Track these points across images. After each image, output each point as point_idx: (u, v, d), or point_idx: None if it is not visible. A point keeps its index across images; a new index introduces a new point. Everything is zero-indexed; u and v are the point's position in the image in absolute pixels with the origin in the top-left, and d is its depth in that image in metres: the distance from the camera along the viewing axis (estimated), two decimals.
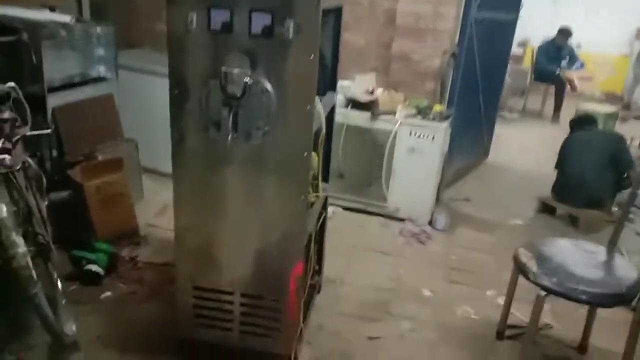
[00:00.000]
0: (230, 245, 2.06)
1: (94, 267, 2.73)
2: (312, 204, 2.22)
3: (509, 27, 4.88)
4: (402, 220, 3.73)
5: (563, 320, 2.75)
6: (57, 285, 2.31)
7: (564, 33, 7.29)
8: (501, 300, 2.94)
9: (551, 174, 5.14)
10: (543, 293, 2.10)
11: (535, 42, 7.89)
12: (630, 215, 3.88)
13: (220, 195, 2.00)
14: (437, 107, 3.60)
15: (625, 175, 3.99)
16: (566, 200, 4.07)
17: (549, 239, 2.49)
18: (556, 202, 4.18)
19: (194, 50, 1.84)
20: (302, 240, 2.03)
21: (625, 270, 2.23)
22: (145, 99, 3.84)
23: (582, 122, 4.32)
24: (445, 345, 2.54)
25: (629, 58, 8.87)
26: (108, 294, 2.69)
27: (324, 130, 2.18)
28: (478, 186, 4.70)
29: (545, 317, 2.69)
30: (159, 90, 3.95)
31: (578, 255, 2.29)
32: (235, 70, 1.77)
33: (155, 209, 3.59)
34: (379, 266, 3.20)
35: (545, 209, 4.27)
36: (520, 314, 2.68)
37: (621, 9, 8.61)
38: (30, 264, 1.92)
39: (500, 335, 2.60)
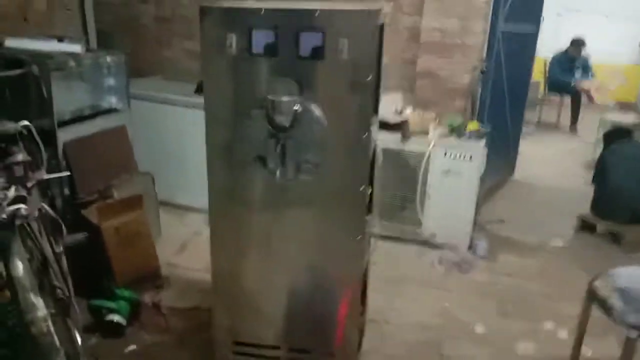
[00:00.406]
0: (275, 293, 1.82)
1: (115, 317, 2.47)
2: None
3: (531, 40, 4.71)
4: (438, 247, 3.49)
5: None
6: (77, 342, 2.06)
7: (577, 44, 7.13)
8: (562, 334, 2.70)
9: (583, 189, 4.91)
10: (635, 334, 1.85)
11: (541, 54, 7.73)
12: None
13: (264, 236, 1.77)
14: (472, 125, 3.38)
15: None
16: (609, 216, 3.83)
17: (623, 267, 2.25)
18: (597, 218, 3.94)
19: (233, 77, 1.63)
20: (358, 284, 1.79)
21: None
22: (158, 129, 3.65)
23: (617, 135, 4.10)
24: None
25: (639, 66, 8.72)
26: (133, 347, 2.43)
27: (380, 159, 1.95)
28: (509, 206, 4.46)
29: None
30: (172, 119, 3.78)
31: None
32: (284, 98, 1.55)
33: (175, 246, 3.35)
34: (422, 301, 2.94)
35: (585, 226, 4.03)
36: (592, 352, 2.42)
37: (627, 17, 8.49)
38: (52, 328, 1.67)
39: None
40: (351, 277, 1.77)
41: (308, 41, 1.55)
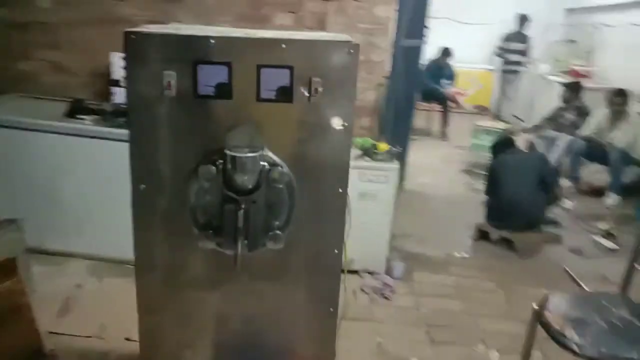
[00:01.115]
0: None
1: None
2: None
3: (419, 52, 4.78)
4: (356, 272, 3.32)
5: None
6: None
7: (446, 53, 7.56)
8: (494, 357, 2.69)
9: (470, 196, 5.15)
10: None
11: None
12: None
13: (210, 321, 1.41)
14: (382, 146, 3.27)
15: (550, 193, 4.05)
16: (504, 225, 4.00)
17: (563, 293, 2.25)
18: (492, 227, 4.10)
19: (172, 125, 1.25)
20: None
21: None
22: (19, 162, 2.98)
23: (504, 146, 4.31)
24: None
25: (491, 73, 9.55)
26: None
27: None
28: (409, 219, 4.48)
29: None
30: (38, 149, 3.12)
31: (609, 313, 2.07)
32: (248, 153, 1.21)
33: (55, 306, 2.74)
34: (356, 338, 2.74)
35: (481, 235, 4.18)
36: None
37: (482, 27, 9.23)
38: None
39: None
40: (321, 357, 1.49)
41: (271, 79, 1.23)
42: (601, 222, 4.67)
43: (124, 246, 3.20)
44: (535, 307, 2.18)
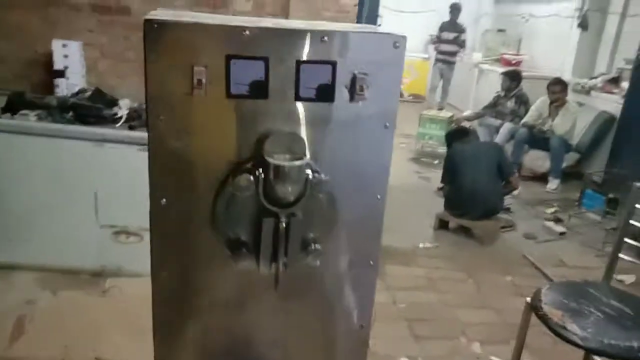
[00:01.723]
0: None
1: None
2: None
3: None
4: None
5: None
6: None
7: None
8: (476, 348, 2.71)
9: (422, 185, 5.20)
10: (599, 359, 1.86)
11: None
12: None
13: (237, 347, 1.26)
14: None
15: (505, 182, 4.16)
16: (463, 214, 4.06)
17: (552, 285, 2.28)
18: (452, 216, 4.15)
19: (200, 131, 1.07)
20: None
21: None
22: None
23: (459, 136, 4.37)
24: None
25: (428, 62, 9.74)
26: None
27: None
28: None
29: None
30: None
31: (600, 302, 2.12)
32: (295, 162, 1.06)
33: (6, 327, 2.44)
34: None
35: (441, 224, 4.23)
36: None
37: (419, 15, 9.37)
38: None
39: None
40: None
41: (311, 76, 1.09)
42: (547, 207, 4.88)
43: (78, 253, 2.97)
44: (528, 300, 2.19)
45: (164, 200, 1.09)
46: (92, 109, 2.81)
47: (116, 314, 2.68)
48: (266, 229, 1.09)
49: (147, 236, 3.00)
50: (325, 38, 1.07)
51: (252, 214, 1.12)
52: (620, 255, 2.37)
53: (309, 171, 1.08)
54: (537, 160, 5.58)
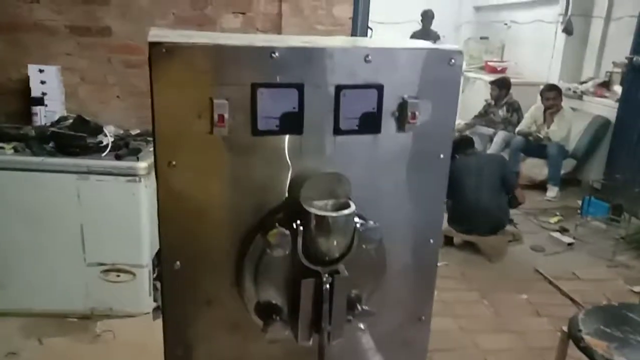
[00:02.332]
0: None
1: None
2: None
3: None
4: None
5: None
6: None
7: None
8: None
9: None
10: None
11: None
12: None
13: None
14: None
15: (510, 195, 4.02)
16: (468, 230, 3.90)
17: (588, 310, 2.10)
18: (457, 232, 3.99)
19: (222, 176, 0.87)
20: None
21: None
22: None
23: (463, 146, 4.18)
24: None
25: None
26: None
27: None
28: None
29: None
30: None
31: None
32: (343, 211, 0.86)
33: None
34: None
35: (446, 241, 4.06)
36: None
37: (394, 26, 9.32)
38: None
39: None
40: None
41: (353, 104, 0.90)
42: (550, 216, 4.75)
43: (65, 295, 2.72)
44: (565, 329, 2.02)
45: (178, 263, 0.88)
46: (74, 138, 2.57)
47: None
48: (306, 292, 0.89)
49: (140, 273, 2.76)
50: (370, 57, 0.88)
51: (287, 274, 0.92)
52: None
53: (356, 219, 0.88)
54: (534, 168, 5.47)
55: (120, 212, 2.67)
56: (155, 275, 2.91)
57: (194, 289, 0.91)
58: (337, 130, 0.90)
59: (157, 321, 2.79)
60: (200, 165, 0.86)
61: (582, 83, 6.21)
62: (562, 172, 5.43)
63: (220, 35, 0.89)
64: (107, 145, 2.72)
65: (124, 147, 2.71)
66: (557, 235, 4.31)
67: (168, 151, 0.83)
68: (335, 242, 0.87)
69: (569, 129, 5.35)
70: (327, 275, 0.90)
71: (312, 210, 0.85)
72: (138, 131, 3.04)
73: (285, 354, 0.98)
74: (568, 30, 6.72)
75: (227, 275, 0.92)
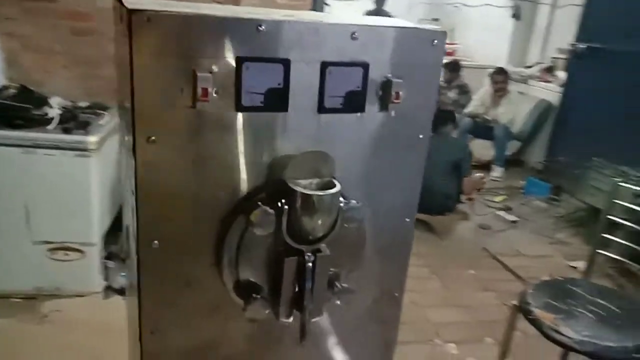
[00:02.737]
0: None
1: None
2: None
3: None
4: None
5: None
6: None
7: None
8: (452, 349, 2.64)
9: None
10: None
11: None
12: None
13: None
14: None
15: (461, 180, 4.13)
16: (422, 209, 3.98)
17: (537, 284, 2.21)
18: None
19: (203, 154, 0.84)
20: None
21: None
22: None
23: (442, 119, 4.08)
24: None
25: None
26: None
27: None
28: None
29: None
30: None
31: (586, 301, 2.07)
32: (329, 190, 0.86)
33: None
34: None
35: None
36: None
37: (348, 3, 9.26)
38: None
39: None
40: None
41: (338, 82, 0.89)
42: (495, 195, 4.94)
43: (9, 275, 2.58)
44: (515, 303, 2.12)
45: (156, 242, 0.85)
46: (18, 110, 2.42)
47: (62, 343, 2.36)
48: (288, 270, 0.88)
49: (89, 252, 2.66)
50: (356, 34, 0.87)
51: (268, 253, 0.91)
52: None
53: (343, 200, 0.88)
54: (481, 149, 5.65)
55: (69, 188, 2.55)
56: (106, 254, 2.82)
57: (172, 269, 0.88)
58: (322, 109, 0.89)
59: (109, 300, 2.72)
60: (181, 141, 0.82)
61: (528, 67, 6.44)
62: (507, 153, 5.64)
63: (202, 5, 0.84)
64: (53, 118, 2.58)
65: (72, 120, 2.58)
66: (502, 213, 4.49)
67: (147, 126, 0.79)
68: (319, 221, 0.87)
69: (515, 111, 5.55)
70: (309, 254, 0.89)
71: (298, 189, 0.84)
72: (87, 103, 2.89)
73: (263, 333, 0.98)
74: (516, 15, 6.91)
75: (207, 255, 0.89)
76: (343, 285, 0.96)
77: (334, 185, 0.86)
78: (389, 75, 0.91)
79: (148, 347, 0.90)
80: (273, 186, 0.88)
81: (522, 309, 2.06)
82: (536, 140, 5.73)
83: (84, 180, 2.53)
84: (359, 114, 0.92)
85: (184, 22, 0.77)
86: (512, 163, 5.77)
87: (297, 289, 0.91)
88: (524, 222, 4.43)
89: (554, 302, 2.03)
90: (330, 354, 1.08)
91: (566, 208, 4.59)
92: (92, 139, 2.49)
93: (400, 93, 0.91)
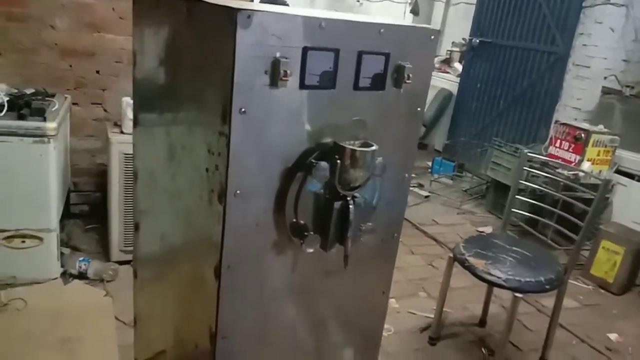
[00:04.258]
0: None
1: None
2: None
3: None
4: None
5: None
6: None
7: None
8: (393, 304, 3.03)
9: None
10: (520, 295, 2.28)
11: None
12: None
13: (289, 333, 1.31)
14: None
15: None
16: None
17: (466, 240, 2.66)
18: None
19: (275, 122, 1.09)
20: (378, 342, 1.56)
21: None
22: None
23: None
24: None
25: None
26: None
27: None
28: None
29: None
30: None
31: (507, 249, 2.54)
32: (370, 147, 1.14)
33: None
34: None
35: None
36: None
37: None
38: None
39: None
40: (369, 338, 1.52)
41: (368, 66, 1.17)
42: None
43: None
44: (451, 255, 2.55)
45: (239, 191, 1.08)
46: None
47: (26, 329, 2.39)
48: (339, 212, 1.16)
49: (48, 238, 2.69)
50: (382, 30, 1.16)
51: (317, 200, 1.17)
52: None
53: (380, 157, 1.17)
54: None
55: (25, 174, 2.57)
56: (60, 240, 2.84)
57: (247, 213, 1.11)
58: (357, 87, 1.17)
59: (68, 286, 2.77)
60: (263, 112, 1.06)
61: None
62: None
63: (279, 8, 1.09)
64: (3, 105, 2.56)
65: (25, 107, 2.58)
66: (416, 190, 5.02)
67: (240, 99, 1.02)
68: (361, 173, 1.15)
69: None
70: (349, 199, 1.17)
71: (348, 147, 1.11)
72: (32, 90, 2.87)
73: (312, 264, 1.24)
74: (415, 11, 7.54)
75: (272, 203, 1.14)
76: (369, 225, 1.26)
77: (371, 145, 1.15)
78: (400, 61, 1.21)
79: (227, 278, 1.13)
80: (322, 147, 1.14)
81: (458, 259, 2.49)
82: (439, 124, 6.38)
83: (42, 166, 2.56)
84: (381, 92, 1.21)
85: (273, 20, 1.01)
86: (419, 146, 6.36)
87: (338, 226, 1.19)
88: (435, 197, 4.99)
89: (483, 251, 2.49)
90: (350, 284, 1.37)
91: (469, 183, 5.24)
92: (50, 125, 2.53)
93: (410, 75, 1.21)
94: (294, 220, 1.17)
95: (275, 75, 1.03)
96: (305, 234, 1.17)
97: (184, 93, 1.25)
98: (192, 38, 1.17)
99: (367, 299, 1.45)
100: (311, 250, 1.18)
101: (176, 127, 1.32)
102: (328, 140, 1.15)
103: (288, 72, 1.03)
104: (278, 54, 1.03)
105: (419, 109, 1.31)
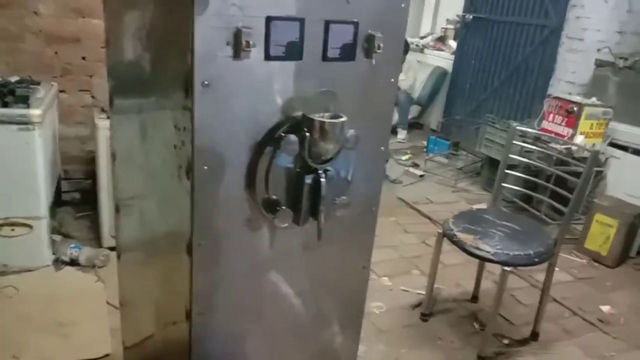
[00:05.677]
0: None
1: None
2: None
3: None
4: None
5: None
6: None
7: None
8: (386, 282, 3.04)
9: None
10: (508, 268, 2.28)
11: None
12: None
13: (268, 307, 1.31)
14: None
15: None
16: None
17: (456, 215, 2.64)
18: None
19: (240, 95, 1.07)
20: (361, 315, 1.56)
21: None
22: None
23: None
24: None
25: None
26: None
27: None
28: None
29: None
30: None
31: (496, 224, 2.53)
32: (338, 119, 1.12)
33: None
34: None
35: None
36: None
37: None
38: None
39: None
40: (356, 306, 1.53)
41: (337, 36, 1.15)
42: (402, 155, 5.46)
43: None
44: (440, 231, 2.54)
45: (206, 167, 1.07)
46: None
47: (20, 314, 2.41)
48: (309, 185, 1.15)
49: (37, 225, 2.69)
50: (350, 0, 1.14)
51: (288, 175, 1.16)
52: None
53: (352, 129, 1.16)
54: None
55: (12, 162, 2.56)
56: (51, 227, 2.85)
57: (216, 189, 1.10)
58: (325, 57, 1.15)
59: (61, 272, 2.77)
60: (227, 84, 1.04)
61: (422, 38, 7.01)
62: (410, 117, 6.19)
63: None
64: None
65: (9, 94, 2.56)
66: (411, 169, 5.01)
67: (203, 73, 1.00)
68: (331, 146, 1.13)
69: (415, 78, 6.08)
70: (323, 172, 1.16)
71: (317, 119, 1.10)
72: (17, 78, 2.85)
73: (284, 238, 1.24)
74: None
75: (241, 176, 1.13)
76: (342, 198, 1.25)
77: (341, 117, 1.13)
78: (370, 31, 1.18)
79: (199, 254, 1.12)
80: (291, 120, 1.13)
81: (446, 234, 2.48)
82: (434, 103, 6.34)
83: (29, 153, 2.55)
84: (351, 62, 1.19)
85: None
86: (414, 126, 6.35)
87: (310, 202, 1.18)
88: (429, 176, 4.98)
89: (471, 227, 2.48)
90: (329, 257, 1.36)
91: (464, 161, 5.22)
92: (35, 112, 2.51)
93: (381, 45, 1.19)
94: (266, 195, 1.16)
95: (238, 47, 1.01)
96: (277, 209, 1.16)
97: (152, 70, 1.23)
98: (156, 12, 1.15)
99: (347, 274, 1.45)
100: (284, 225, 1.17)
101: (147, 106, 1.31)
102: (298, 113, 1.13)
103: (251, 42, 1.02)
104: (240, 24, 1.01)
105: (392, 79, 1.29)
